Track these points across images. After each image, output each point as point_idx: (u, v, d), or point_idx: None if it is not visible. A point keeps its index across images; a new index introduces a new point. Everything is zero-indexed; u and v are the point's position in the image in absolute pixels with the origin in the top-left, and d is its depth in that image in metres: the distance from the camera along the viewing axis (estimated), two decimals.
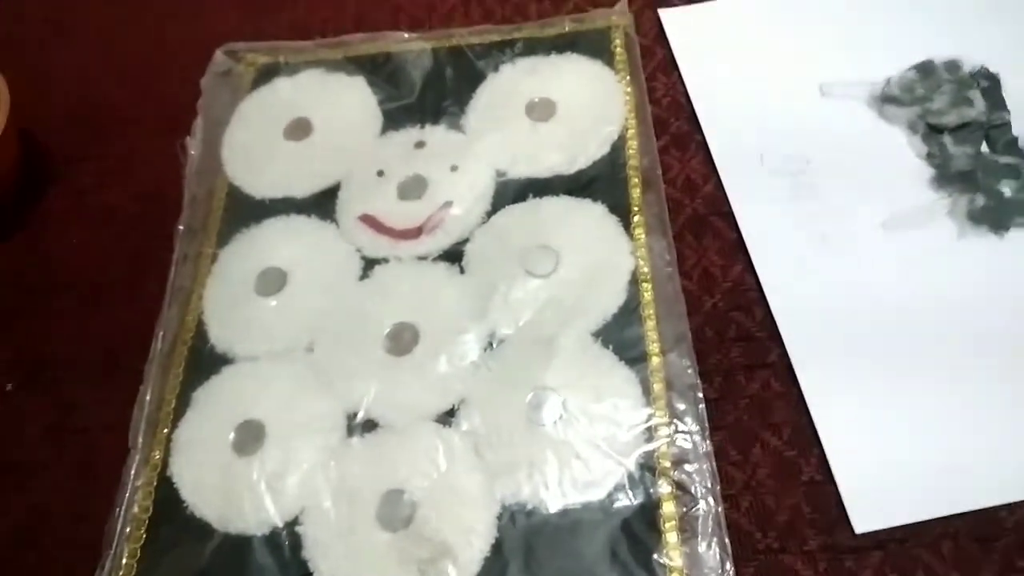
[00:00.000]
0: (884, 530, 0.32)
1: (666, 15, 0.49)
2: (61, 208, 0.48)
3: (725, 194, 0.42)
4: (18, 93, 0.46)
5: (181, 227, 0.44)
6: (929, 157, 0.41)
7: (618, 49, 0.47)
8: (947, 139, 0.42)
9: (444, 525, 0.33)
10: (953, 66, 0.44)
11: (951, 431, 0.34)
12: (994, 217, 0.39)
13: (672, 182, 0.43)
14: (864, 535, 0.32)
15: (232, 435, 0.36)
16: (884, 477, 0.33)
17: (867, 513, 0.33)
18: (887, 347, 0.36)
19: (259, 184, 0.45)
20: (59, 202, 0.48)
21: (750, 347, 0.37)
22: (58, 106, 0.52)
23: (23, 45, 0.55)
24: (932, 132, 0.42)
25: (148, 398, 0.39)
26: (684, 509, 0.32)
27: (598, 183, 0.42)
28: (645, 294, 0.38)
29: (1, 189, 0.47)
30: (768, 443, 0.35)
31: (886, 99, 0.43)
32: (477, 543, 0.32)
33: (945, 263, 0.38)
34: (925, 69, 0.44)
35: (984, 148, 0.42)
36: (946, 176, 0.41)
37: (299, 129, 0.46)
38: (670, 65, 0.47)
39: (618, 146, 0.43)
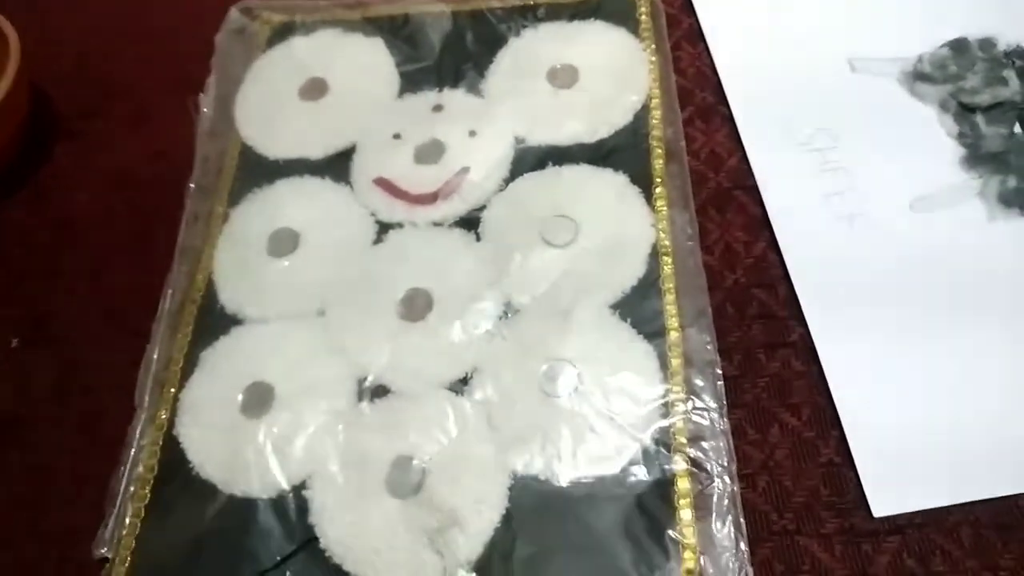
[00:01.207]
0: (902, 515, 0.31)
1: None
2: (70, 165, 0.47)
3: (750, 168, 0.41)
4: (28, 48, 0.45)
5: (192, 185, 0.43)
6: (960, 137, 0.40)
7: (643, 17, 0.45)
8: (979, 119, 0.41)
9: (454, 494, 0.32)
10: (987, 44, 0.43)
11: (975, 416, 0.33)
12: None
13: (696, 154, 0.42)
14: (882, 519, 0.32)
15: (240, 396, 0.36)
16: (904, 461, 0.33)
17: (886, 497, 0.32)
18: (912, 330, 0.35)
19: (273, 144, 0.44)
20: (68, 159, 0.47)
21: (771, 325, 0.37)
22: (68, 62, 0.51)
23: None
24: (964, 111, 0.41)
25: (155, 357, 0.38)
26: (699, 487, 0.32)
27: (620, 153, 0.41)
28: (665, 267, 0.37)
29: (10, 145, 0.46)
30: (787, 423, 0.34)
31: (918, 76, 0.42)
32: (487, 513, 0.32)
33: (974, 245, 0.37)
34: (958, 46, 0.43)
35: (1017, 129, 0.40)
36: (977, 156, 0.40)
37: (314, 89, 0.45)
38: (696, 35, 0.46)
39: (641, 116, 0.42)
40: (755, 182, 0.41)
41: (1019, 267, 0.37)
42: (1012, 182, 0.39)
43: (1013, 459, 0.32)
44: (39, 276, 0.43)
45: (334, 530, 0.32)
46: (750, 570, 0.30)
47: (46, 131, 0.48)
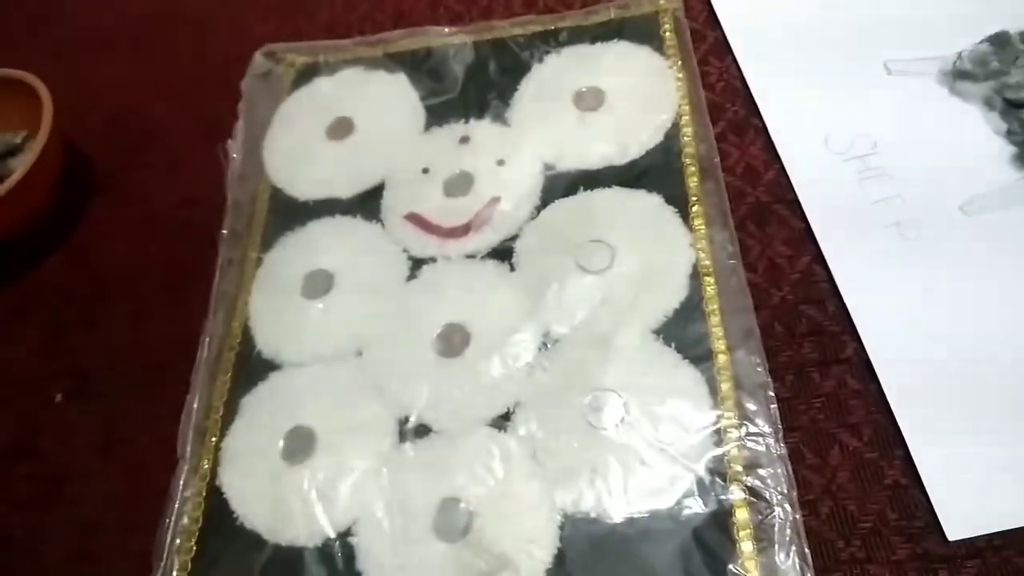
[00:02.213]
0: (979, 537, 0.30)
1: None
2: (105, 218, 0.48)
3: (789, 180, 0.40)
4: (61, 104, 0.46)
5: (225, 231, 0.43)
6: (1009, 134, 0.39)
7: (667, 34, 0.45)
8: None
9: (503, 535, 0.31)
10: None
11: None
12: None
13: (731, 170, 0.41)
14: (957, 543, 0.30)
15: (281, 443, 0.35)
16: (977, 479, 0.31)
17: (960, 519, 0.30)
18: (973, 338, 0.34)
19: (302, 186, 0.44)
20: (103, 212, 0.48)
21: (823, 342, 0.35)
22: (100, 117, 0.52)
23: (65, 57, 0.56)
24: (1011, 107, 0.39)
25: (196, 406, 0.38)
26: (759, 517, 0.30)
27: (652, 173, 0.40)
28: (708, 288, 0.36)
29: (46, 202, 0.47)
30: (847, 444, 0.33)
31: (958, 75, 0.41)
32: (538, 554, 0.30)
33: None
34: (999, 41, 0.41)
35: None
36: None
37: (341, 128, 0.45)
38: (722, 48, 0.45)
39: (672, 134, 0.41)
40: (795, 194, 0.39)
41: None
42: None
43: None
44: (80, 330, 0.44)
45: None
46: None
47: (81, 186, 0.49)
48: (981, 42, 0.41)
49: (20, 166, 0.44)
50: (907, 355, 0.34)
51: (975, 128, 0.39)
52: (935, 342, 0.34)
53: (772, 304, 0.37)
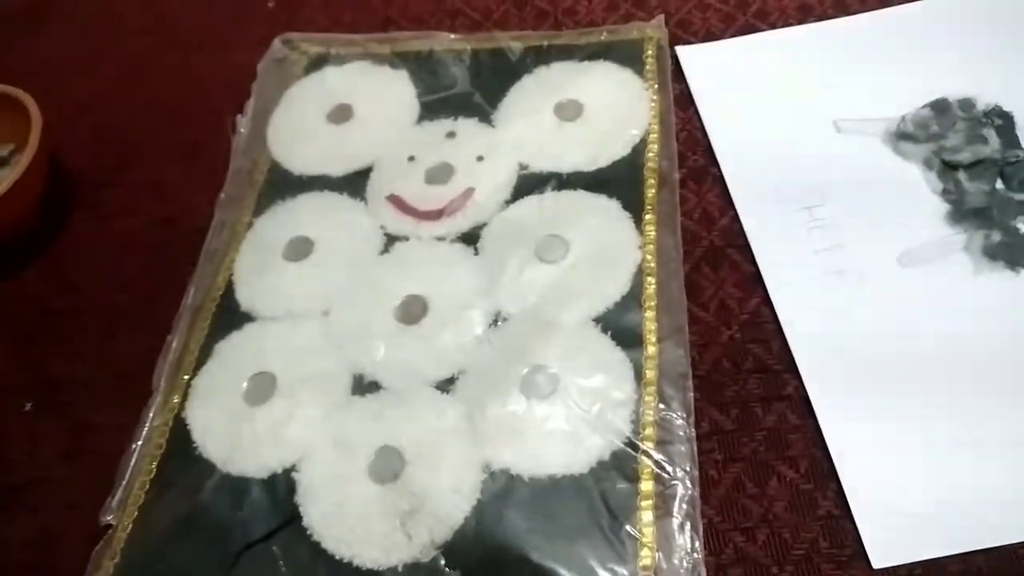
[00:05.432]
0: (903, 566, 0.31)
1: (683, 52, 0.49)
2: (85, 232, 0.49)
3: (742, 227, 0.42)
4: (46, 119, 0.47)
5: (223, 195, 0.47)
6: (944, 193, 0.41)
7: (649, 59, 0.48)
8: (962, 176, 0.41)
9: (430, 482, 0.34)
10: (967, 104, 0.43)
11: (971, 466, 0.33)
12: (1009, 253, 0.39)
13: (689, 214, 0.43)
14: (882, 571, 0.31)
15: (245, 385, 0.39)
16: (903, 512, 0.33)
17: (885, 548, 0.32)
18: (905, 382, 0.36)
19: (299, 162, 0.48)
20: (83, 226, 0.49)
21: (767, 379, 0.37)
22: (85, 132, 0.53)
23: (53, 72, 0.57)
24: (947, 169, 0.42)
25: (174, 347, 0.41)
26: (662, 488, 0.33)
27: (615, 182, 0.43)
28: (648, 287, 0.39)
29: (28, 212, 0.47)
30: (785, 476, 0.34)
31: (901, 136, 0.43)
32: (460, 502, 0.34)
33: (961, 298, 0.38)
34: (940, 107, 0.44)
35: (999, 185, 0.41)
36: (961, 212, 0.40)
37: (341, 114, 0.49)
38: (687, 100, 0.47)
39: (639, 149, 0.44)
40: (747, 240, 0.41)
41: (1006, 319, 0.37)
42: (996, 236, 0.39)
43: (1013, 507, 0.32)
44: (52, 341, 0.44)
45: (316, 509, 0.34)
46: (703, 570, 0.31)
47: (63, 199, 0.50)
48: (923, 107, 0.44)
49: (4, 180, 0.44)
50: (844, 393, 0.36)
51: (915, 186, 0.42)
52: (870, 382, 0.36)
53: (721, 342, 0.38)
